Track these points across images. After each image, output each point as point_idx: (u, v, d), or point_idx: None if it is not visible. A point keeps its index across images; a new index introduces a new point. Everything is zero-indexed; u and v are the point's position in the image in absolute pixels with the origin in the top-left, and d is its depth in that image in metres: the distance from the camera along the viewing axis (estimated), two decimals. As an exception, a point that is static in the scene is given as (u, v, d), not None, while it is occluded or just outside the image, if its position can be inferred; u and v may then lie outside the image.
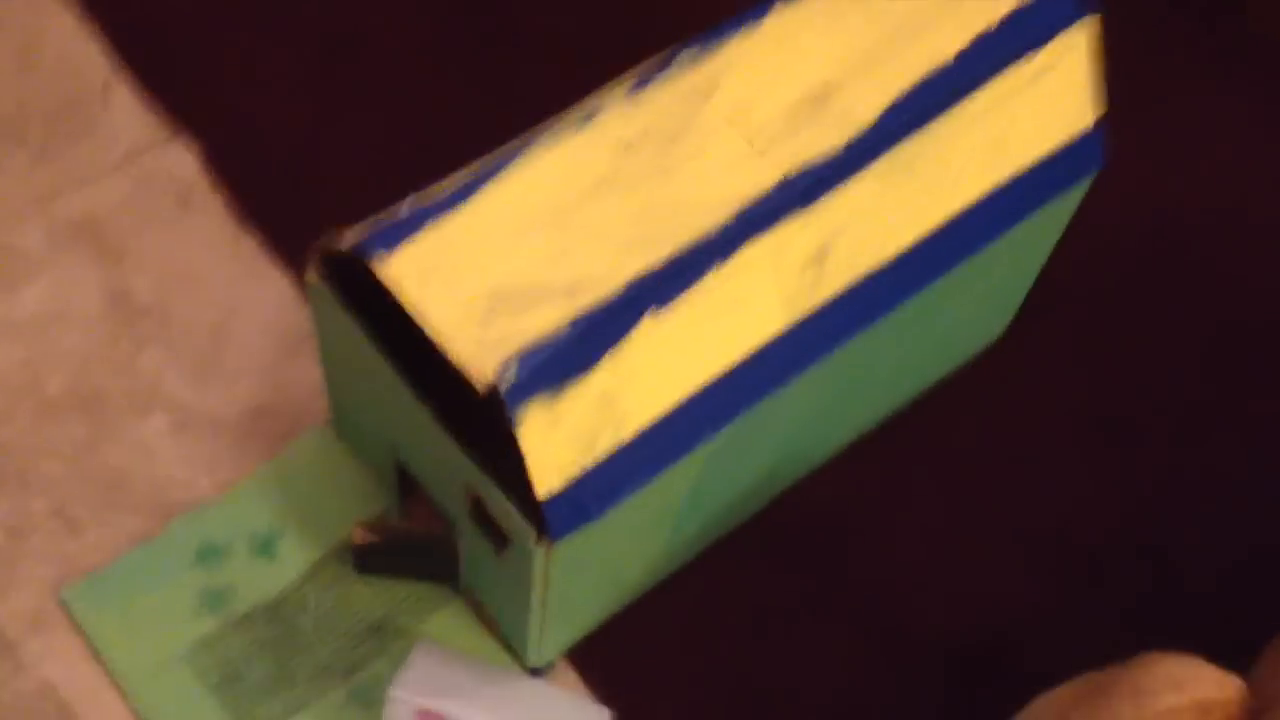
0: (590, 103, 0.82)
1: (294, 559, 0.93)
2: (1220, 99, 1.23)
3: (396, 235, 0.76)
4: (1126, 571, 0.99)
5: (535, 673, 0.91)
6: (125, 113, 1.13)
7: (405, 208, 0.78)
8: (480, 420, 0.78)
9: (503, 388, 0.72)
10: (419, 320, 0.75)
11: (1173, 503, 1.02)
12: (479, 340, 0.74)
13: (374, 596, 0.93)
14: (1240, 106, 1.22)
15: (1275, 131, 1.21)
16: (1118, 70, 1.21)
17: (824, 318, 0.82)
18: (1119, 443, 1.04)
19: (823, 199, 0.80)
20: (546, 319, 0.75)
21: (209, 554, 0.93)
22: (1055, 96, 0.87)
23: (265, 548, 0.94)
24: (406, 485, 0.91)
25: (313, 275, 0.82)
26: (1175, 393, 1.07)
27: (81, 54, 1.15)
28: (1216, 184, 1.18)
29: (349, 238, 0.77)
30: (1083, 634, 0.96)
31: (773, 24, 0.84)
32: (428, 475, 0.87)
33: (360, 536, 0.90)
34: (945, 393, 1.05)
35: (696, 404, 0.79)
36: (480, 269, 0.76)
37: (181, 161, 1.11)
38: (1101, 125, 0.90)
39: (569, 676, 0.92)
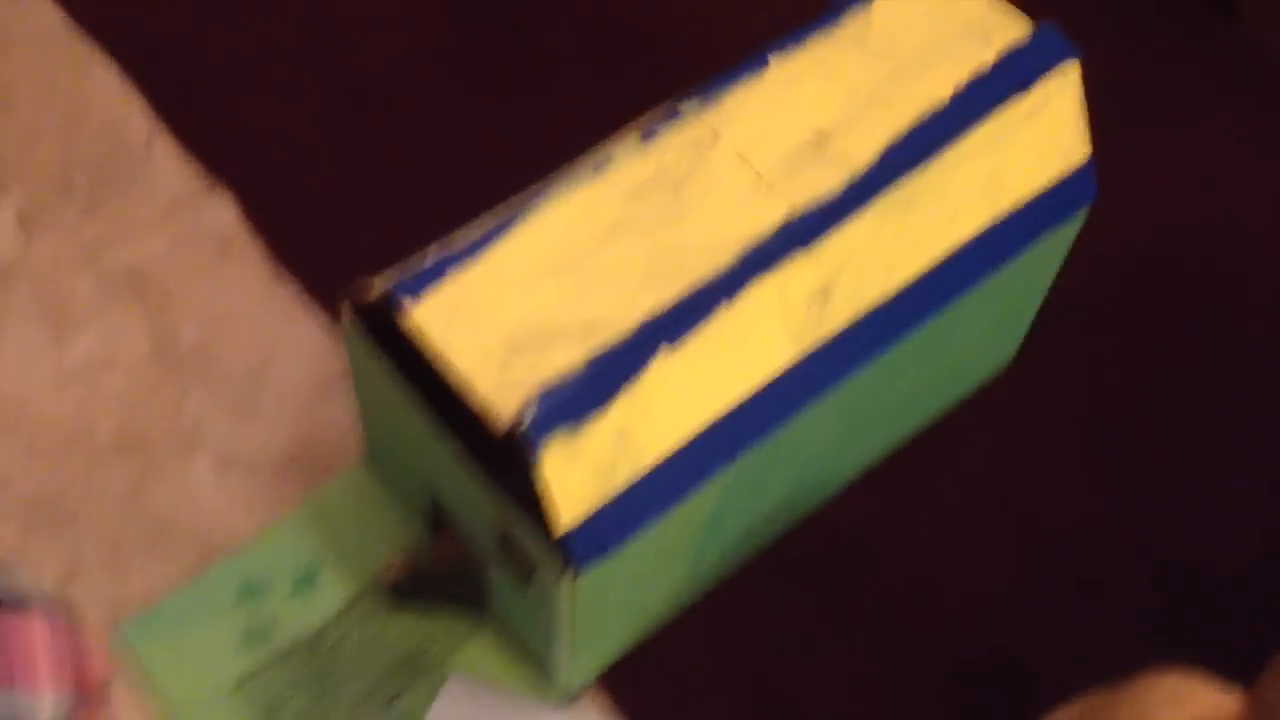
0: (602, 151, 0.85)
1: (332, 594, 0.97)
2: (1217, 113, 1.25)
3: (421, 284, 0.80)
4: (1142, 586, 1.01)
5: (564, 699, 0.94)
6: (167, 167, 1.18)
7: (429, 257, 0.82)
8: (505, 456, 0.81)
9: (523, 426, 0.76)
10: (443, 364, 0.78)
11: (1182, 515, 1.04)
12: (500, 381, 0.77)
13: (409, 628, 0.96)
14: (1237, 120, 1.24)
15: (1273, 144, 1.23)
16: (1115, 88, 1.23)
17: (830, 351, 0.85)
18: (1129, 458, 1.06)
19: (826, 237, 0.83)
20: (564, 359, 0.78)
21: (251, 591, 0.97)
22: (1048, 132, 0.90)
23: (304, 583, 0.98)
24: (438, 520, 0.95)
25: (347, 319, 0.86)
26: (1182, 407, 1.09)
27: (124, 112, 1.21)
28: (1217, 198, 1.20)
29: (378, 286, 0.81)
30: (1099, 649, 0.98)
31: (774, 71, 0.87)
32: (457, 510, 0.90)
33: (394, 571, 0.94)
34: (958, 417, 1.07)
35: (711, 436, 0.82)
36: (500, 313, 0.80)
37: (221, 212, 1.15)
38: (1093, 158, 0.92)
39: (598, 703, 0.95)
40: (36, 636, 0.78)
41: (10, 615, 0.77)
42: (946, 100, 0.87)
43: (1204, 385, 1.10)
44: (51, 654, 0.78)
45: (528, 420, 0.76)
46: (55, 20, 1.25)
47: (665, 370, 0.80)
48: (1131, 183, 1.19)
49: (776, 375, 0.84)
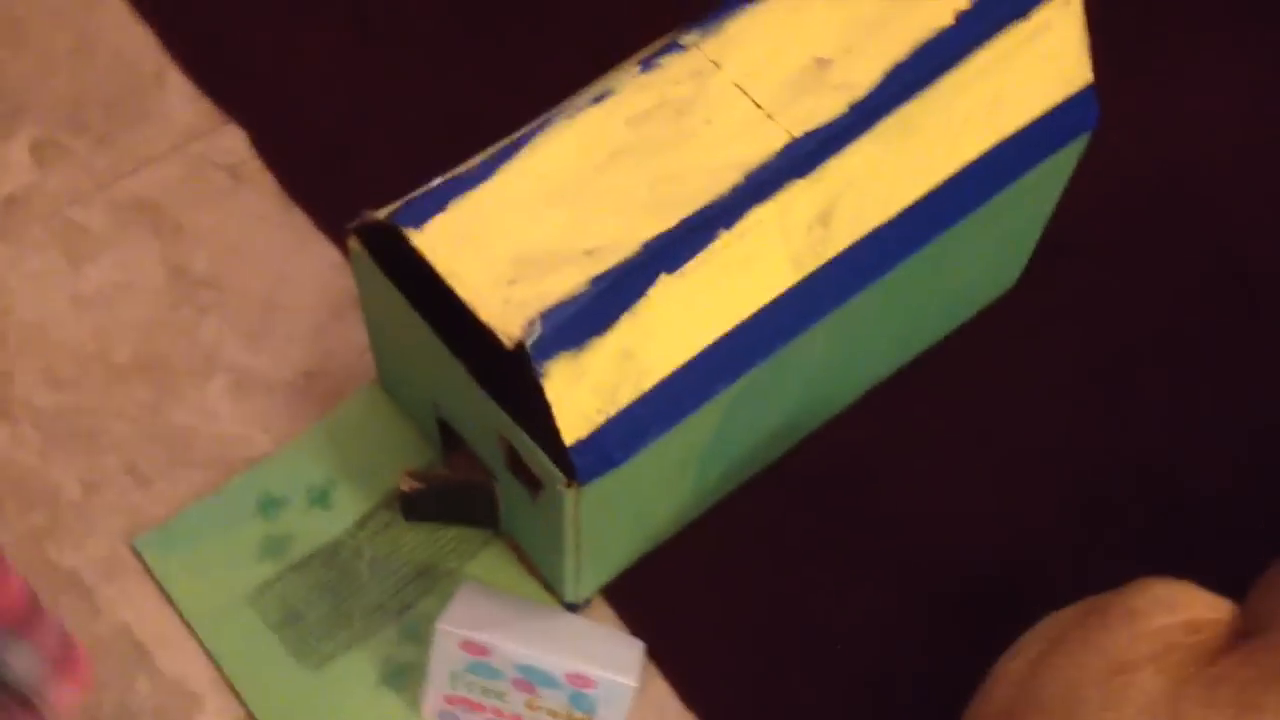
0: (606, 80, 0.87)
1: (347, 508, 1.00)
2: (1224, 47, 1.25)
3: (429, 208, 0.82)
4: (1138, 504, 1.04)
5: (572, 609, 0.97)
6: (178, 98, 1.19)
7: (434, 184, 0.84)
8: (512, 376, 0.84)
9: (529, 344, 0.78)
10: (450, 285, 0.81)
11: (1178, 439, 1.07)
12: (505, 302, 0.80)
13: (421, 541, 0.99)
14: (1243, 55, 1.25)
15: (1272, 78, 1.24)
16: (1118, 22, 1.24)
17: (831, 274, 0.87)
18: (1127, 384, 1.09)
19: (827, 162, 0.85)
20: (568, 281, 0.80)
21: (269, 505, 1.00)
22: (1049, 58, 0.91)
23: (321, 498, 1.01)
24: (449, 438, 0.98)
25: (355, 245, 0.89)
26: (1180, 335, 1.11)
27: (135, 44, 1.22)
28: (1222, 132, 1.21)
29: (387, 211, 0.84)
30: (1096, 564, 1.01)
31: (763, 4, 0.89)
32: (467, 428, 0.93)
33: (407, 485, 0.97)
34: (961, 339, 1.09)
35: (712, 356, 0.85)
36: (505, 237, 0.82)
37: (232, 142, 1.17)
38: (1094, 84, 0.94)
39: (604, 612, 0.98)
40: None
41: None
42: (947, 26, 0.88)
43: (1203, 314, 1.12)
44: None
45: (532, 340, 0.78)
46: (66, -49, 1.27)
47: (667, 293, 0.82)
48: (1136, 115, 1.21)
49: (778, 298, 0.86)
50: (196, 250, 1.12)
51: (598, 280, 0.81)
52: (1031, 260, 1.11)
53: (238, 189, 1.15)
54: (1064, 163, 0.98)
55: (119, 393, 1.06)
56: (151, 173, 1.16)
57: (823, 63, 0.87)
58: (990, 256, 1.02)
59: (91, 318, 1.09)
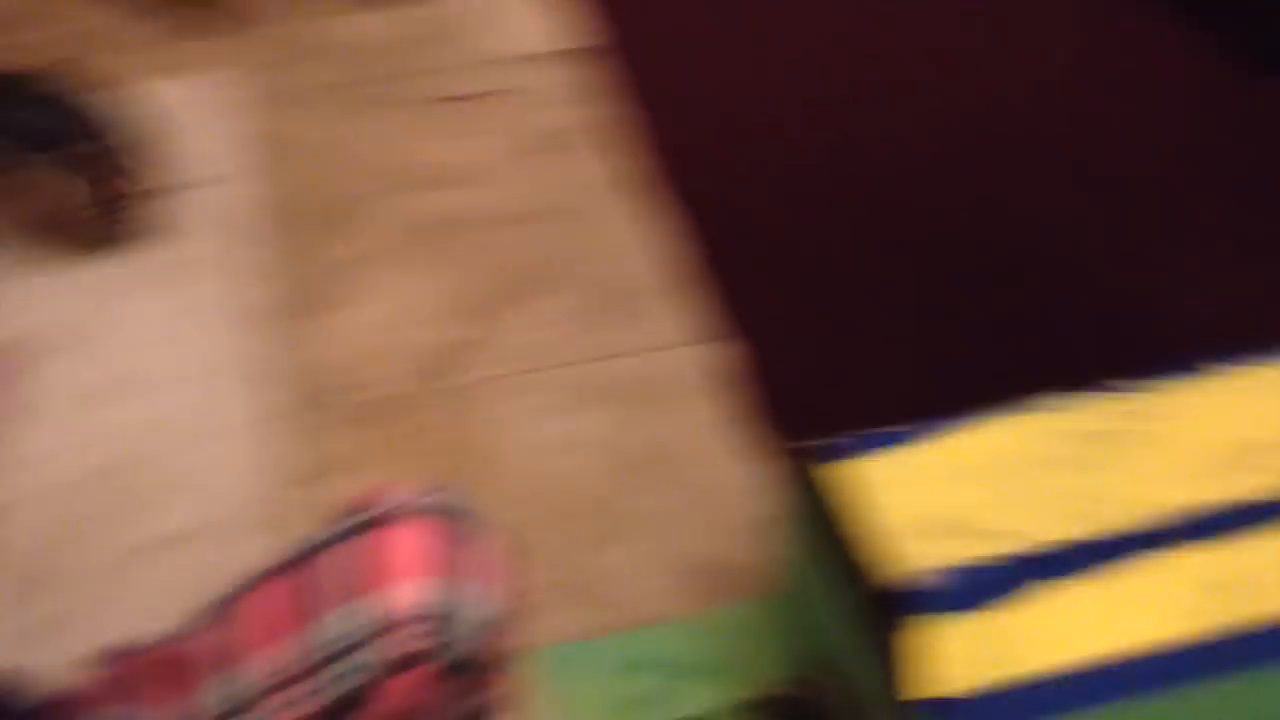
0: (1062, 397, 0.98)
1: (705, 693, 1.08)
2: None
3: (867, 448, 0.94)
4: None
5: None
6: (670, 309, 1.37)
7: (879, 431, 0.95)
8: (890, 621, 0.90)
9: (911, 596, 0.86)
10: (863, 521, 0.90)
11: None
12: (907, 551, 0.89)
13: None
14: None
15: None
16: None
17: (1218, 644, 0.89)
18: None
19: (1235, 537, 0.90)
20: (967, 552, 0.88)
21: (635, 666, 1.10)
22: None
23: (687, 676, 1.09)
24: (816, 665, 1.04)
25: (795, 468, 0.99)
26: None
27: (658, 251, 1.41)
28: None
29: (824, 442, 0.95)
30: None
31: (1215, 380, 0.98)
32: (837, 655, 0.99)
33: (770, 694, 1.05)
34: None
35: (1080, 677, 0.87)
36: (928, 494, 0.91)
37: (709, 357, 1.33)
38: None
39: None
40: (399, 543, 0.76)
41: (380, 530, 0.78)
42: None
43: None
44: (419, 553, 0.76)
45: (919, 594, 0.86)
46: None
47: (1052, 598, 0.88)
48: None
49: (1161, 644, 0.88)
50: (651, 430, 1.26)
51: (993, 561, 0.88)
52: None
53: (705, 396, 1.29)
54: None
55: (563, 528, 1.20)
56: (634, 362, 1.31)
57: (1248, 446, 0.94)
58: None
59: (558, 461, 1.25)
